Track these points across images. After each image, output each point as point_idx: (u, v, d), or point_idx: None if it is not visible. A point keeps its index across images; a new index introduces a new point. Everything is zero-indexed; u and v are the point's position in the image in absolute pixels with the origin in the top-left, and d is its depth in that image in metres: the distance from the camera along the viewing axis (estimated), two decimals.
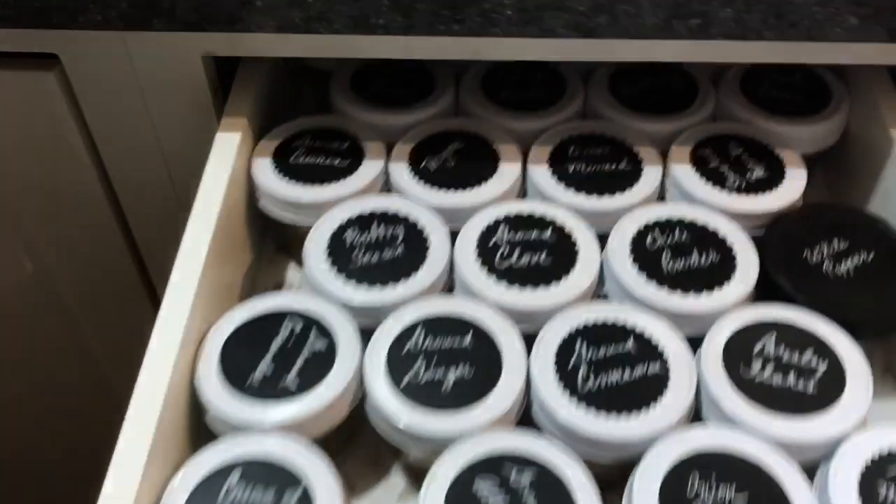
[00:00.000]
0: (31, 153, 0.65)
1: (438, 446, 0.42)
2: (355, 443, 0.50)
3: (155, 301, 0.78)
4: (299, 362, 0.46)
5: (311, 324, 0.47)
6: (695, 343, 0.47)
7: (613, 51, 0.51)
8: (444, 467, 0.41)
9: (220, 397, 0.45)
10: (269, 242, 0.62)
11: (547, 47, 0.50)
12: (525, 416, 0.46)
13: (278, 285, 0.59)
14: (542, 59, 0.53)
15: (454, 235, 0.52)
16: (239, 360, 0.46)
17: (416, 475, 0.48)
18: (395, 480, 0.49)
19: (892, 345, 0.53)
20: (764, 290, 0.50)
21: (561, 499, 0.40)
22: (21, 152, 0.65)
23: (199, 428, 0.46)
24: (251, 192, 0.57)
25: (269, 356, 0.46)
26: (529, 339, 0.47)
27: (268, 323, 0.47)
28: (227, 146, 0.55)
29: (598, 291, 0.51)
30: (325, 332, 0.47)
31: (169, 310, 0.47)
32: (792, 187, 0.55)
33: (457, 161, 0.56)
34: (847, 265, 0.50)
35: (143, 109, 0.60)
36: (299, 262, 0.59)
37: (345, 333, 0.47)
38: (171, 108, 0.60)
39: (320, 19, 0.49)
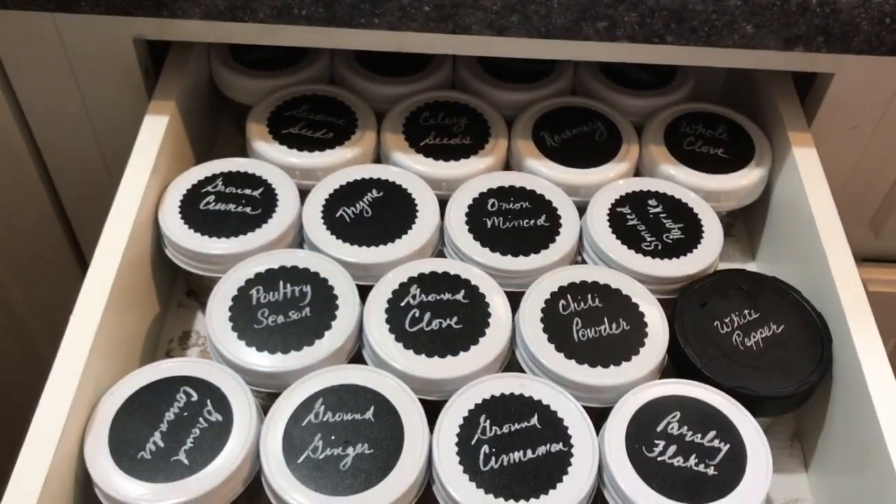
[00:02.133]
0: None
1: None
2: None
3: (84, 269, 0.79)
4: (193, 435, 0.44)
5: (208, 394, 0.46)
6: (601, 415, 0.47)
7: (525, 48, 0.54)
8: None
9: (108, 471, 0.43)
10: (179, 285, 0.60)
11: (462, 43, 0.54)
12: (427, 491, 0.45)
13: (185, 335, 0.57)
14: (457, 52, 0.56)
15: (367, 291, 0.51)
16: (130, 431, 0.44)
17: None
18: None
19: (801, 412, 0.54)
20: (674, 358, 0.50)
21: None
22: None
23: (86, 500, 0.44)
24: (159, 237, 0.55)
25: (162, 428, 0.44)
26: (435, 408, 0.46)
27: (162, 392, 0.46)
28: (152, 135, 0.55)
29: (508, 358, 0.50)
30: (222, 404, 0.45)
31: (60, 373, 0.44)
32: (708, 250, 0.54)
33: (373, 212, 0.55)
34: (757, 337, 0.50)
35: (74, 89, 0.61)
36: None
37: (242, 406, 0.45)
38: (102, 88, 0.61)
39: (245, 8, 0.51)
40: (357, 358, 0.50)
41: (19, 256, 0.78)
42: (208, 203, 0.54)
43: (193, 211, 0.54)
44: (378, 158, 0.60)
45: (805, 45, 0.52)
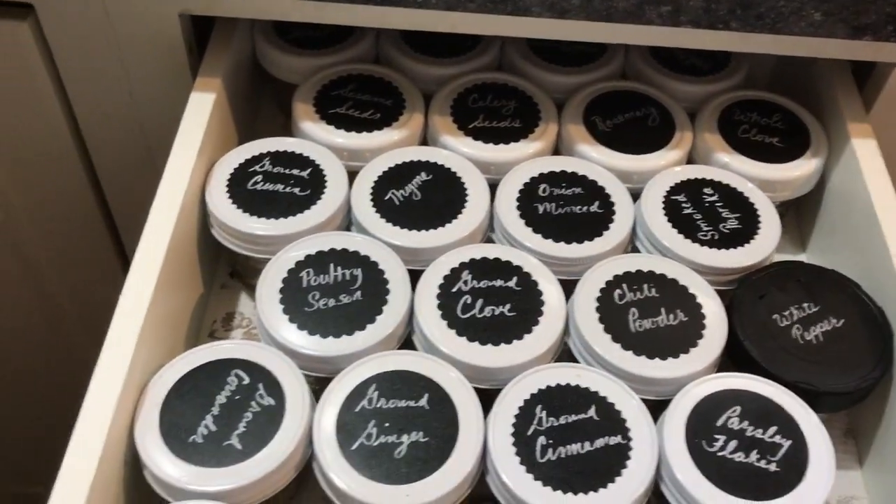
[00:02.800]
0: (1, 103, 0.63)
1: None
2: (302, 501, 0.48)
3: (123, 256, 0.79)
4: (245, 419, 0.43)
5: (260, 377, 0.45)
6: (656, 408, 0.46)
7: (585, 32, 0.52)
8: None
9: (159, 454, 0.42)
10: (222, 266, 0.59)
11: (519, 25, 0.52)
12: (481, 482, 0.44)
13: (229, 316, 0.56)
14: (514, 35, 0.55)
15: (417, 275, 0.50)
16: (181, 414, 0.43)
17: None
18: None
19: (855, 407, 0.53)
20: (731, 351, 0.49)
21: None
22: None
23: (135, 483, 0.44)
24: (205, 216, 0.54)
25: (214, 411, 0.43)
26: (489, 395, 0.45)
27: (213, 375, 0.45)
28: (198, 112, 0.54)
29: (562, 347, 0.49)
30: (274, 388, 0.44)
31: (110, 354, 0.44)
32: (765, 241, 0.53)
33: (422, 196, 0.54)
34: (817, 331, 0.48)
35: (118, 64, 0.60)
36: (251, 288, 0.57)
37: (294, 390, 0.44)
38: (146, 64, 0.60)
39: None
40: (407, 344, 0.49)
41: (54, 237, 0.78)
42: (256, 183, 0.53)
43: (241, 191, 0.53)
44: (425, 141, 0.59)
45: (874, 34, 0.50)
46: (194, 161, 0.52)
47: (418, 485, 0.42)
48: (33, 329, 0.90)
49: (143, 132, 0.66)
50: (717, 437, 0.44)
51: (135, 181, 0.70)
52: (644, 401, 0.45)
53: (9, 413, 1.05)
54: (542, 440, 0.43)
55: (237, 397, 0.44)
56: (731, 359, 0.49)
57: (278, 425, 0.43)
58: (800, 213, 0.64)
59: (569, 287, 0.50)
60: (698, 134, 0.59)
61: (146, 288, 0.47)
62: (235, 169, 0.54)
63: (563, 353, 0.49)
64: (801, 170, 0.58)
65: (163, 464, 0.42)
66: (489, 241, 0.54)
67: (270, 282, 0.49)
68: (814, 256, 0.61)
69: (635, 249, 0.54)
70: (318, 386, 0.46)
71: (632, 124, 0.59)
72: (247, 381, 0.45)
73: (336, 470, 0.42)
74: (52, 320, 0.88)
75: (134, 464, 0.44)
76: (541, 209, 0.53)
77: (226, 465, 0.41)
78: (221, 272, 0.59)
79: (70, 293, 0.84)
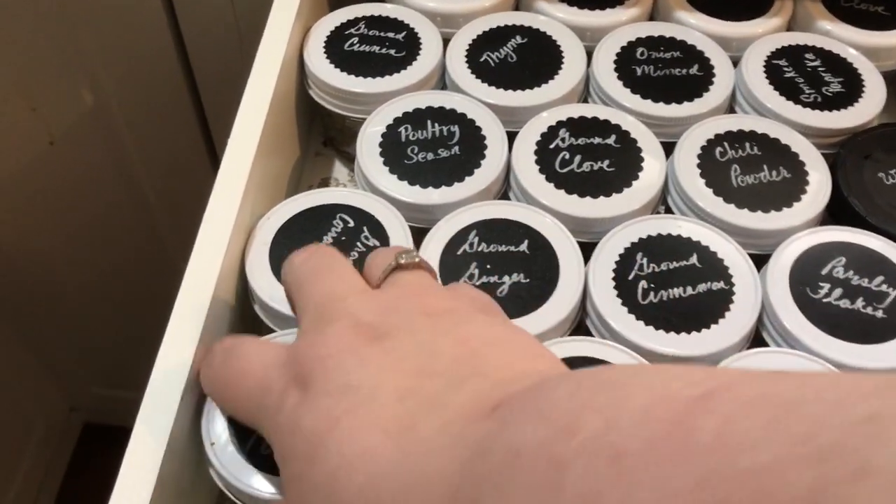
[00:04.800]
0: None
1: None
2: None
3: (209, 141, 0.80)
4: (352, 259, 0.44)
5: (364, 221, 0.46)
6: (760, 263, 0.45)
7: None
8: None
9: (270, 287, 0.44)
10: (315, 135, 0.60)
11: None
12: (579, 327, 0.45)
13: (324, 181, 0.57)
14: None
15: (511, 137, 0.50)
16: (289, 251, 0.45)
17: None
18: None
19: None
20: (835, 211, 0.48)
21: None
22: None
23: (245, 316, 0.46)
24: (302, 80, 0.55)
25: None
26: (586, 249, 0.45)
27: (319, 218, 0.46)
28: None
29: (662, 202, 0.49)
30: (377, 230, 0.45)
31: (217, 201, 0.45)
32: (870, 104, 0.52)
33: (518, 58, 0.53)
34: None
35: None
36: (345, 156, 0.58)
37: (397, 233, 0.45)
38: None
39: None
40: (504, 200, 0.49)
41: (145, 126, 0.80)
42: (352, 45, 0.54)
43: (338, 52, 0.53)
44: (517, 6, 0.59)
45: None
46: (293, 22, 0.52)
47: (519, 321, 0.42)
48: (124, 225, 0.93)
49: (238, 23, 0.67)
50: (821, 284, 0.43)
51: (225, 68, 0.71)
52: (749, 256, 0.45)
53: (99, 313, 1.09)
54: (643, 284, 0.43)
55: (343, 238, 0.45)
56: (835, 218, 0.48)
57: None
58: None
59: (668, 148, 0.50)
60: (799, 2, 0.57)
61: (251, 139, 0.47)
62: (332, 31, 0.55)
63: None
64: None
65: (273, 294, 0.43)
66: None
67: (370, 137, 0.50)
68: None
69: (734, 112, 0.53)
70: (416, 238, 0.47)
71: None
72: (352, 223, 0.46)
73: None
74: (140, 213, 0.91)
75: (244, 304, 0.45)
76: (639, 71, 0.53)
77: None
78: (315, 141, 0.60)
79: (155, 182, 0.87)
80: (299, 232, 0.46)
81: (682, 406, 0.17)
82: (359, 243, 0.45)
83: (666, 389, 0.18)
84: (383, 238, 0.45)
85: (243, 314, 0.46)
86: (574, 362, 0.40)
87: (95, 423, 1.44)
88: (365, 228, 0.46)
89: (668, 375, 0.19)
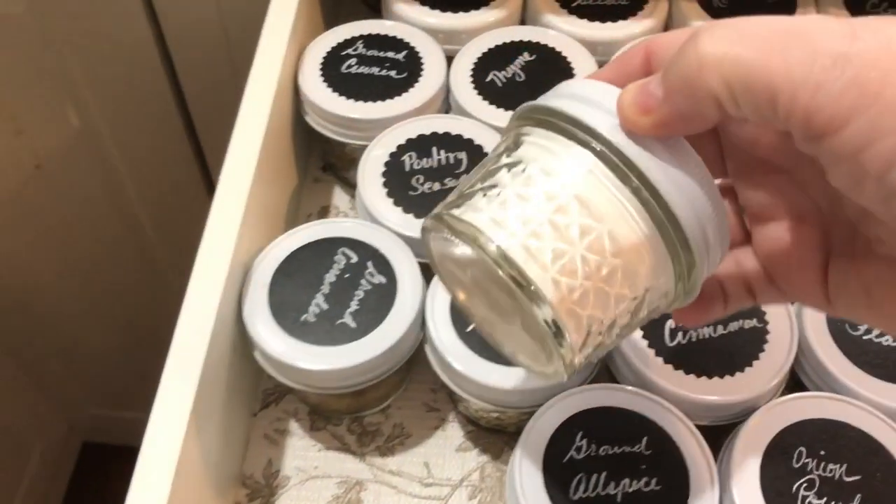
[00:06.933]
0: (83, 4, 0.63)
1: (502, 398, 0.39)
2: (409, 385, 0.47)
3: (200, 158, 0.77)
4: (357, 298, 0.41)
5: (368, 255, 0.43)
6: None
7: None
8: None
9: (270, 335, 0.41)
10: (313, 160, 0.57)
11: None
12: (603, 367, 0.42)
13: (324, 210, 0.54)
14: None
15: None
16: (290, 293, 0.42)
17: (476, 426, 0.45)
18: (454, 432, 0.46)
19: None
20: None
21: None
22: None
23: (240, 365, 0.43)
24: (297, 105, 0.52)
25: (324, 290, 0.42)
26: None
27: (320, 253, 0.43)
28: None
29: None
30: (383, 266, 0.43)
31: (213, 237, 0.42)
32: None
33: (526, 76, 0.50)
34: None
35: None
36: (346, 182, 0.55)
37: (404, 268, 0.42)
38: None
39: None
40: None
41: (134, 148, 0.77)
42: (350, 66, 0.51)
43: (335, 74, 0.50)
44: (524, 20, 0.56)
45: None
46: (286, 43, 0.49)
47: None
48: (116, 246, 0.90)
49: (224, 26, 0.64)
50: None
51: (214, 79, 0.68)
52: None
53: (94, 334, 1.07)
54: (670, 323, 0.41)
55: (347, 275, 0.42)
56: None
57: (392, 303, 0.41)
58: None
59: None
60: (822, 9, 0.54)
61: (246, 171, 0.45)
62: (328, 53, 0.52)
63: None
64: None
65: (275, 343, 0.40)
66: None
67: (372, 166, 0.47)
68: None
69: None
70: (427, 275, 0.44)
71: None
72: (355, 259, 0.43)
73: (452, 352, 0.40)
74: (130, 228, 0.88)
75: (243, 349, 0.43)
76: None
77: (340, 344, 0.40)
78: (314, 167, 0.57)
79: (146, 201, 0.84)
80: (300, 270, 0.43)
81: None
82: (363, 280, 0.42)
83: None
84: (390, 274, 0.42)
85: (244, 358, 0.43)
86: (592, 414, 0.38)
87: (94, 442, 1.41)
88: (370, 263, 0.43)
89: None
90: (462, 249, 0.27)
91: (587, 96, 0.25)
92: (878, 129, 0.20)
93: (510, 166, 0.26)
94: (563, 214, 0.24)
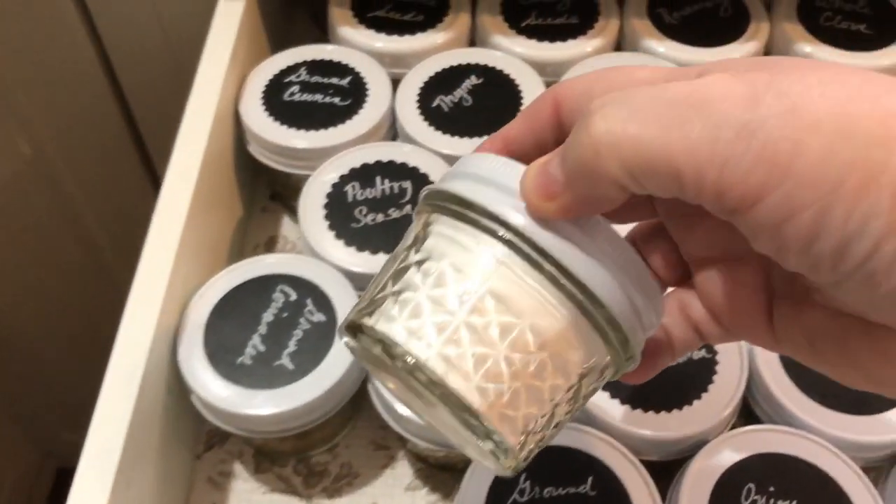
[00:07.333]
0: (24, 24, 0.61)
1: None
2: (358, 422, 0.46)
3: (155, 181, 0.77)
4: (295, 338, 0.40)
5: (308, 292, 0.41)
6: None
7: None
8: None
9: (207, 378, 0.39)
10: (260, 188, 0.55)
11: None
12: None
13: (271, 241, 0.53)
14: None
15: None
16: (226, 335, 0.40)
17: (426, 463, 0.44)
18: (403, 470, 0.44)
19: None
20: None
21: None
22: (13, 22, 0.62)
23: (178, 408, 0.41)
24: (240, 133, 0.50)
25: (261, 330, 0.40)
26: None
27: (258, 291, 0.42)
28: (228, 20, 0.50)
29: None
30: (323, 303, 0.41)
31: (146, 276, 0.41)
32: None
33: (473, 100, 0.49)
34: None
35: None
36: (294, 212, 0.53)
37: (345, 304, 0.41)
38: None
39: None
40: None
41: (86, 170, 0.76)
42: (293, 94, 0.49)
43: (277, 102, 0.49)
44: (473, 42, 0.55)
45: None
46: (225, 71, 0.48)
47: None
48: (76, 272, 0.89)
49: (171, 50, 0.63)
50: None
51: (162, 100, 0.67)
52: None
53: (53, 357, 1.05)
54: None
55: (285, 314, 0.41)
56: None
57: (331, 342, 0.40)
58: None
59: None
60: (776, 24, 0.54)
61: (181, 206, 0.43)
62: (270, 80, 0.50)
63: None
64: (891, 59, 0.52)
65: (211, 387, 0.39)
66: None
67: (313, 198, 0.45)
68: None
69: None
70: None
71: (701, 15, 0.53)
72: (294, 296, 0.41)
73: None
74: (86, 249, 0.87)
75: (179, 392, 0.41)
76: None
77: (278, 387, 0.38)
78: (261, 195, 0.55)
79: (104, 225, 0.83)
80: (236, 309, 0.41)
81: None
82: (302, 319, 0.41)
83: None
84: (329, 311, 0.41)
85: (182, 400, 0.41)
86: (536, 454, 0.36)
87: (70, 467, 1.40)
88: (309, 301, 0.41)
89: None
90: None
91: (490, 177, 0.23)
92: (793, 204, 0.19)
93: (419, 263, 0.24)
94: (480, 315, 0.22)
